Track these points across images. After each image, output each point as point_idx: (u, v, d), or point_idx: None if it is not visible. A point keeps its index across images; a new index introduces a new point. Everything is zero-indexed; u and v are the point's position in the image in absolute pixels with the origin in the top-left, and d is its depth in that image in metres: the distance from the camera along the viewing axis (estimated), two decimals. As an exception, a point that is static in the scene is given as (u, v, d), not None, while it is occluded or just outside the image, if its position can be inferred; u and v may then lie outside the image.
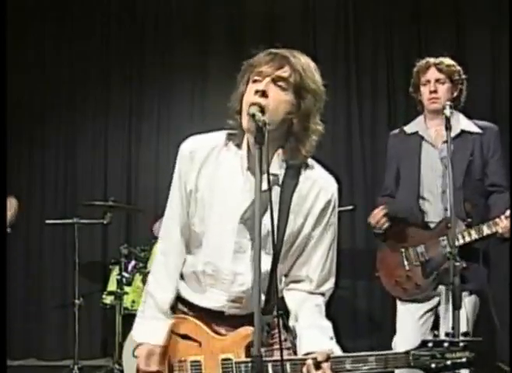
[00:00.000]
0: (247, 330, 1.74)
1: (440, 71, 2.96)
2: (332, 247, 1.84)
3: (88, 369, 4.53)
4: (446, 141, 2.89)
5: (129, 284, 4.32)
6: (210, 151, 1.78)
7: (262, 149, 1.51)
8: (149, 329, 1.83)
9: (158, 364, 1.81)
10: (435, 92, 2.95)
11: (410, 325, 2.98)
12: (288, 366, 1.66)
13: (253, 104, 1.63)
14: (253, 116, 1.58)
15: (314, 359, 1.63)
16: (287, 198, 1.74)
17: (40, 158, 5.17)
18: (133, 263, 4.42)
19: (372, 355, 1.61)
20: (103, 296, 4.43)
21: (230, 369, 1.73)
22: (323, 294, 1.86)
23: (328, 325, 1.79)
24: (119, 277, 4.22)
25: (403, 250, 3.04)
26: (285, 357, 1.64)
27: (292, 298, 1.84)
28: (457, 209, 2.84)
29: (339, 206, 3.39)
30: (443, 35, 5.07)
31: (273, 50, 1.72)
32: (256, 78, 1.68)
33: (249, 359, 1.66)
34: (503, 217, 2.77)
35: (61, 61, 5.20)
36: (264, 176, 1.52)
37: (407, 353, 1.59)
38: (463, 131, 2.95)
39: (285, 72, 1.68)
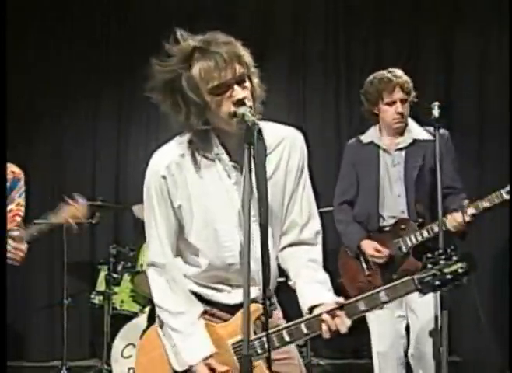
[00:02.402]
0: (251, 307, 1.74)
1: (403, 90, 3.00)
2: (306, 187, 1.89)
3: (76, 370, 4.52)
4: (398, 149, 3.05)
5: (118, 283, 4.30)
6: (183, 158, 1.77)
7: (251, 148, 1.53)
8: (196, 345, 1.76)
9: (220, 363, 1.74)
10: (402, 114, 3.00)
11: (384, 327, 3.00)
12: (303, 327, 1.69)
13: (241, 104, 1.65)
14: (242, 116, 1.60)
15: (330, 311, 1.66)
16: (261, 168, 1.73)
17: (28, 157, 5.13)
18: (122, 263, 4.40)
19: (381, 290, 1.68)
20: (92, 296, 4.41)
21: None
22: (313, 244, 1.88)
23: (326, 278, 1.83)
24: (108, 277, 4.21)
25: (361, 255, 3.09)
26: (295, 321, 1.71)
27: (287, 258, 1.88)
28: (412, 212, 2.98)
29: (327, 206, 3.43)
30: (433, 36, 5.11)
31: (206, 50, 1.67)
32: (219, 90, 1.66)
33: (261, 334, 1.71)
34: (450, 215, 2.83)
35: (52, 61, 5.17)
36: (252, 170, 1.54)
37: (412, 279, 1.68)
38: (415, 140, 3.02)
39: (239, 69, 1.68)
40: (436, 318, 2.51)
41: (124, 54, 5.24)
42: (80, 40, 5.18)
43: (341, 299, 1.71)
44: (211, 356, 1.74)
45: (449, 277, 1.65)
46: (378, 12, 5.20)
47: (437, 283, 1.66)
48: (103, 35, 5.27)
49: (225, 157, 1.77)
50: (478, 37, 5.03)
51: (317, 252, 1.88)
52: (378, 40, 5.19)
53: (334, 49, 5.22)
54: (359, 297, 1.69)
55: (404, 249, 2.96)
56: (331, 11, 5.24)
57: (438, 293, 2.55)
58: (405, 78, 3.03)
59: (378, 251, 3.00)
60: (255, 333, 1.73)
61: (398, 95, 3.00)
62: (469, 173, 4.46)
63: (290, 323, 1.71)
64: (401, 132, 3.08)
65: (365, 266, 3.08)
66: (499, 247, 4.70)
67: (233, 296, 1.82)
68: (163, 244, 1.81)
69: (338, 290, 1.84)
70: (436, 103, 2.74)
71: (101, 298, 4.32)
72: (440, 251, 1.68)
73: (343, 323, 1.66)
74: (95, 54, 5.23)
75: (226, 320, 1.82)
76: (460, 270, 1.65)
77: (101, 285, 4.35)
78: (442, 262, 1.66)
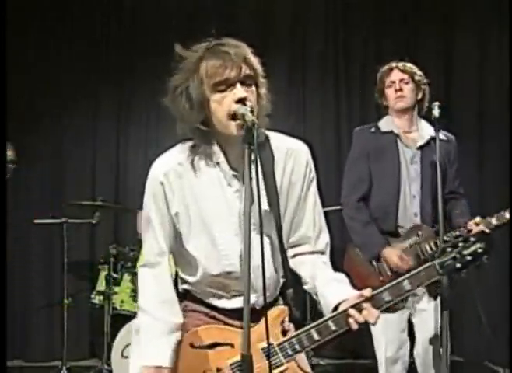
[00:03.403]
0: (276, 310, 1.77)
1: (402, 71, 3.02)
2: (316, 201, 1.90)
3: (76, 370, 4.52)
4: (419, 147, 2.97)
5: (118, 283, 4.31)
6: (182, 167, 1.79)
7: (252, 149, 1.52)
8: (152, 350, 1.76)
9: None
10: (400, 90, 2.99)
11: (392, 332, 2.92)
12: (331, 324, 1.69)
13: (242, 104, 1.64)
14: (243, 116, 1.59)
15: (355, 305, 1.66)
16: (270, 176, 1.77)
17: (27, 158, 5.13)
18: (122, 262, 4.41)
19: (404, 278, 1.69)
20: (92, 296, 4.42)
21: (275, 353, 1.72)
22: (323, 252, 1.91)
23: (342, 274, 1.85)
24: (108, 277, 4.21)
25: (373, 260, 2.97)
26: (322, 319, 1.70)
27: (300, 264, 1.88)
28: (426, 215, 2.91)
29: (328, 206, 3.43)
30: (432, 36, 5.12)
31: (215, 49, 1.70)
32: (221, 87, 1.67)
33: (291, 336, 1.72)
34: (472, 223, 2.79)
35: (51, 61, 5.18)
36: (252, 170, 1.53)
37: (433, 264, 1.68)
38: (432, 138, 2.93)
39: (246, 70, 1.68)
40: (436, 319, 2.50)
41: (124, 54, 5.24)
42: (80, 40, 5.18)
43: (366, 291, 1.70)
44: (165, 368, 1.75)
45: (469, 258, 1.64)
46: (378, 12, 5.20)
47: (458, 265, 1.65)
48: (103, 35, 5.27)
49: (225, 165, 1.77)
50: (478, 37, 5.03)
51: (326, 258, 1.92)
52: (378, 40, 5.20)
53: (334, 49, 5.22)
54: (382, 288, 1.69)
55: (423, 257, 2.86)
56: (330, 11, 5.25)
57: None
58: (408, 64, 3.04)
59: (403, 259, 2.88)
60: (284, 335, 1.75)
61: (396, 75, 3.02)
62: (469, 174, 4.46)
63: (318, 321, 1.71)
64: (408, 118, 3.01)
65: (379, 273, 2.96)
66: (500, 247, 4.70)
67: (234, 302, 1.82)
68: (160, 243, 1.81)
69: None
70: (436, 103, 2.74)
71: (101, 297, 4.32)
72: (457, 233, 1.70)
73: (371, 314, 1.67)
74: (95, 54, 5.22)
75: (232, 325, 1.82)
76: (479, 250, 1.65)
77: (101, 285, 4.35)
78: (460, 244, 1.66)
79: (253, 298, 1.77)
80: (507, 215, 2.78)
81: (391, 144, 2.99)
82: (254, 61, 1.72)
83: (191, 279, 1.87)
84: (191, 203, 1.78)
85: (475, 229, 2.75)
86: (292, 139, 1.89)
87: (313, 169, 1.88)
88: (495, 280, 4.71)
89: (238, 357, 1.69)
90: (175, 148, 1.85)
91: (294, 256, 1.90)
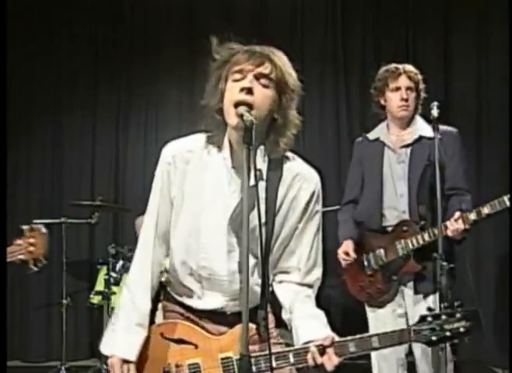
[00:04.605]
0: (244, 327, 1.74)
1: (410, 78, 2.99)
2: (317, 236, 1.86)
3: (75, 369, 4.50)
4: (404, 146, 3.00)
5: (117, 283, 4.30)
6: (191, 154, 1.80)
7: (250, 149, 1.52)
8: (124, 342, 1.78)
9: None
10: (406, 100, 2.97)
11: (384, 326, 2.88)
12: (291, 356, 1.67)
13: (241, 103, 1.64)
14: (241, 116, 1.59)
15: (319, 345, 1.63)
16: (272, 192, 1.76)
17: (26, 158, 5.14)
18: (121, 262, 4.40)
19: (374, 335, 1.64)
20: (91, 296, 4.41)
21: (232, 367, 1.72)
22: (311, 286, 1.87)
23: (321, 313, 1.80)
24: (107, 277, 4.20)
25: (363, 255, 3.08)
26: (282, 349, 1.69)
27: (283, 291, 1.86)
28: (414, 213, 2.93)
29: (327, 205, 3.42)
30: (431, 36, 5.12)
31: (250, 48, 1.73)
32: (237, 76, 1.69)
33: (252, 355, 1.66)
34: (452, 219, 2.78)
35: (51, 61, 5.18)
36: (251, 173, 1.54)
37: (408, 329, 1.61)
38: (421, 137, 2.97)
39: (266, 69, 1.69)
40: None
41: (124, 54, 5.23)
42: (80, 39, 5.19)
43: (333, 334, 1.68)
44: (133, 363, 1.76)
45: (448, 334, 1.56)
46: (378, 11, 5.19)
47: (434, 338, 1.57)
48: (103, 35, 5.26)
49: (228, 162, 1.77)
50: (478, 37, 5.03)
51: (312, 292, 1.87)
52: (377, 40, 5.19)
53: (333, 49, 5.22)
54: (350, 338, 1.65)
55: (405, 252, 2.92)
56: (330, 10, 5.24)
57: (437, 293, 2.54)
58: (414, 70, 3.02)
59: (346, 254, 3.09)
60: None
61: (404, 82, 2.98)
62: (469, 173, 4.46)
63: (279, 350, 1.69)
64: (406, 123, 3.03)
65: (367, 266, 3.06)
66: (500, 247, 4.70)
67: (205, 302, 1.82)
68: (159, 224, 1.85)
69: (330, 298, 1.81)
70: (436, 103, 2.73)
71: (100, 297, 4.31)
72: (445, 304, 1.63)
73: (330, 361, 1.64)
74: (94, 53, 5.22)
75: (203, 327, 1.82)
76: (461, 330, 1.56)
77: (100, 285, 4.35)
78: (444, 317, 1.58)
79: (223, 301, 1.79)
80: (486, 210, 2.75)
81: (377, 150, 3.07)
82: (284, 69, 1.71)
83: (170, 267, 1.88)
84: (189, 190, 1.79)
85: (454, 226, 2.75)
86: (306, 165, 1.86)
87: (319, 202, 1.84)
88: (495, 280, 4.71)
89: (198, 359, 1.76)
90: (191, 136, 1.86)
91: (280, 282, 1.88)
